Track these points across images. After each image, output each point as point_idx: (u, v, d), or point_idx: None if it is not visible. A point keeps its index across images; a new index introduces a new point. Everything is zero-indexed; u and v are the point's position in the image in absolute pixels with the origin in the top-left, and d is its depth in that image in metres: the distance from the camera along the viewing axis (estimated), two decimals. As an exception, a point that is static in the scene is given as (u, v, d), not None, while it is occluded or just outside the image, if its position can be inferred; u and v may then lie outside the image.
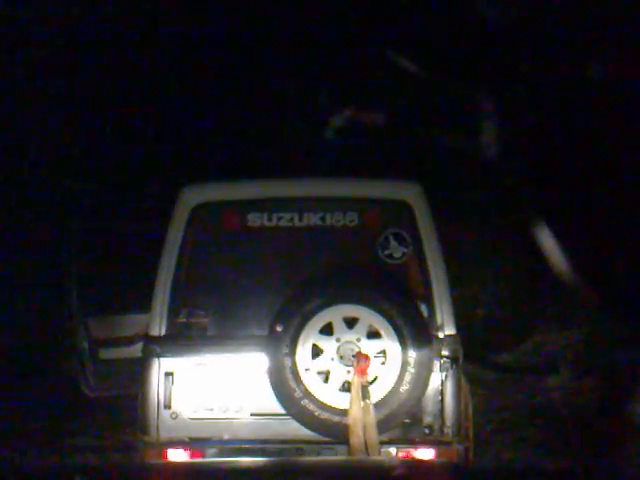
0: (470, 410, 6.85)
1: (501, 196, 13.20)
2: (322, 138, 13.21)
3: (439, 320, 6.57)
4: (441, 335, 6.55)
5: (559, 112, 12.52)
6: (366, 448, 6.33)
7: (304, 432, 6.46)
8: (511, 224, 12.80)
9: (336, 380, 6.44)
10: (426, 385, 6.42)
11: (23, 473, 4.55)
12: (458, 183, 13.41)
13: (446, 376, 6.53)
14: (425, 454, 6.51)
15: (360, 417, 6.31)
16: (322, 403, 6.38)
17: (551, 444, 9.28)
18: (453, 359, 6.56)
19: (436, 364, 6.49)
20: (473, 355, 11.32)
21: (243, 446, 6.55)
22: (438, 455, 6.49)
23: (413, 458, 6.40)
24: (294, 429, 6.47)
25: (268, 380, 6.46)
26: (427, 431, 6.53)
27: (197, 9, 13.33)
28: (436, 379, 6.50)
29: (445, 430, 6.52)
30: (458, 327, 6.63)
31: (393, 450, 6.50)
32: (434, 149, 13.60)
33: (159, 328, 6.65)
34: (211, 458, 6.54)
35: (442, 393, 6.53)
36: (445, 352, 6.53)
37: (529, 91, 12.77)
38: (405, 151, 13.70)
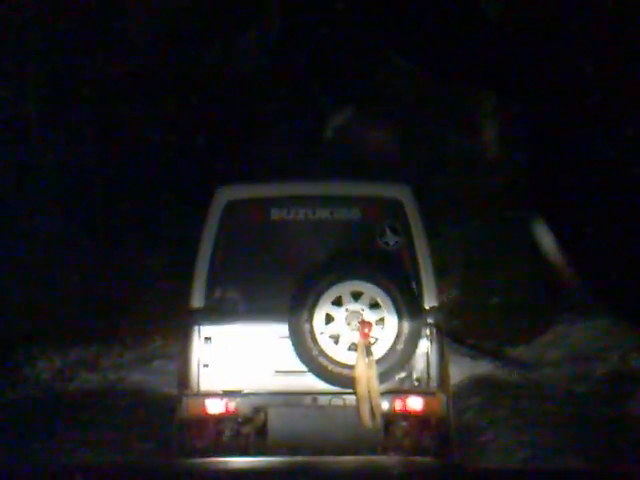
0: (449, 368, 8.43)
1: (501, 193, 13.64)
2: (322, 138, 14.06)
3: (425, 294, 8.16)
4: (427, 307, 8.14)
5: (559, 111, 13.13)
6: (369, 396, 7.90)
7: (319, 385, 8.00)
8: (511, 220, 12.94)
9: (345, 342, 7.97)
10: (416, 345, 7.98)
11: (23, 473, 4.81)
12: (459, 181, 13.88)
13: (431, 339, 8.11)
14: (415, 402, 8.08)
15: (365, 371, 7.85)
16: (334, 360, 7.92)
17: (555, 446, 9.41)
18: (437, 326, 8.15)
19: (424, 329, 8.07)
20: (486, 349, 11.58)
21: (268, 398, 8.08)
22: (425, 402, 8.05)
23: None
24: (310, 382, 8.00)
25: (290, 342, 7.98)
26: (416, 383, 8.08)
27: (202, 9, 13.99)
28: (424, 341, 8.07)
29: (430, 383, 8.10)
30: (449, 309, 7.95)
31: (389, 398, 8.05)
32: (435, 147, 14.24)
33: (199, 302, 8.17)
34: (242, 405, 8.01)
35: (428, 353, 8.11)
36: (430, 320, 8.11)
37: (529, 90, 13.42)
38: (405, 151, 14.32)
